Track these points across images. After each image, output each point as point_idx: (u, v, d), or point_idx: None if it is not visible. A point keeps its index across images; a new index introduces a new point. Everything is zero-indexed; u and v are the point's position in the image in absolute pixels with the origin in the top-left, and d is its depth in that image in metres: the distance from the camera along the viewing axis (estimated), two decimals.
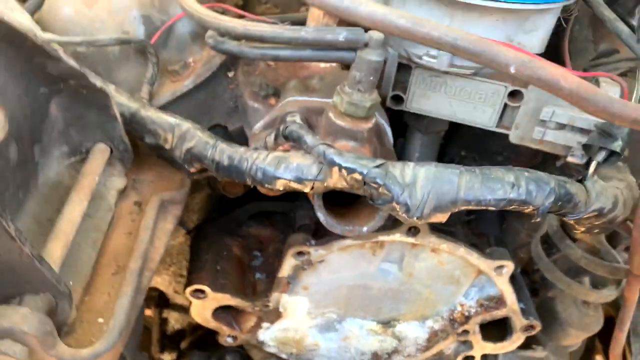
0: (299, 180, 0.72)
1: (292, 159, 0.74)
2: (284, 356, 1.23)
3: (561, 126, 0.91)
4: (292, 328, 1.16)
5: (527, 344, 1.34)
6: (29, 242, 0.58)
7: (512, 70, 0.52)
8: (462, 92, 0.94)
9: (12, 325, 0.57)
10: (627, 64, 1.00)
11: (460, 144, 1.23)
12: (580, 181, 0.81)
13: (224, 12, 1.05)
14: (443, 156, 1.24)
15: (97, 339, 0.69)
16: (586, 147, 0.85)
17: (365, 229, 0.81)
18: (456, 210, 0.69)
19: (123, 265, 0.80)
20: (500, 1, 0.78)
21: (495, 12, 0.81)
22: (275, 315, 1.12)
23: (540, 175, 0.72)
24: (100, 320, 0.73)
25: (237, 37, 0.82)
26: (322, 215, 0.79)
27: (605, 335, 1.34)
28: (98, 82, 0.79)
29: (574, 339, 1.38)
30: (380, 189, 0.67)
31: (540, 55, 0.93)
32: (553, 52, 1.03)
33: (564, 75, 0.50)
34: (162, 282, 1.31)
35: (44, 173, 0.83)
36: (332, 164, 0.69)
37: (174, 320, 1.45)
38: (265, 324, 1.14)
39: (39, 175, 0.82)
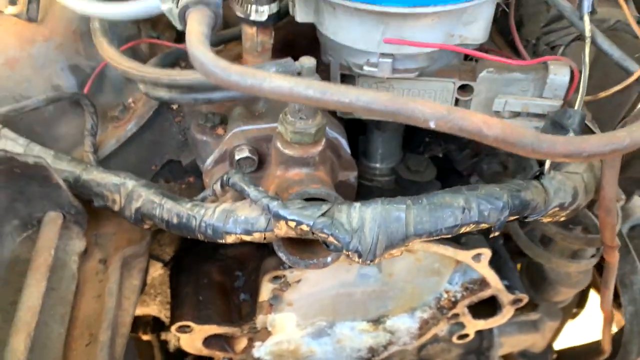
0: (249, 233, 0.71)
1: (239, 212, 0.72)
2: None
3: (515, 114, 0.89)
4: (285, 341, 1.18)
5: (520, 308, 1.36)
6: None
7: (432, 125, 0.49)
8: (411, 94, 0.91)
9: None
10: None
11: (423, 130, 1.21)
12: (538, 177, 0.79)
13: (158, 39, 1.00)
14: (408, 143, 1.21)
15: None
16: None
17: (329, 259, 0.80)
18: (409, 245, 0.67)
19: (96, 334, 0.80)
20: (430, 5, 0.74)
21: (430, 15, 0.77)
22: (265, 333, 1.13)
23: (491, 191, 0.70)
24: None
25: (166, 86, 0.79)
26: (283, 255, 0.78)
27: (601, 266, 1.35)
28: (30, 158, 0.76)
29: (565, 295, 1.41)
30: (329, 238, 0.66)
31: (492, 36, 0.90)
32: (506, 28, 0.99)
33: (486, 123, 0.48)
34: (152, 311, 1.32)
35: None
36: (277, 217, 0.67)
37: (174, 340, 1.47)
38: (257, 343, 1.16)
39: None
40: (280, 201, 0.68)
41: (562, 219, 0.84)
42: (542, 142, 0.48)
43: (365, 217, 0.66)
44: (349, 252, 0.66)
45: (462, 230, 0.68)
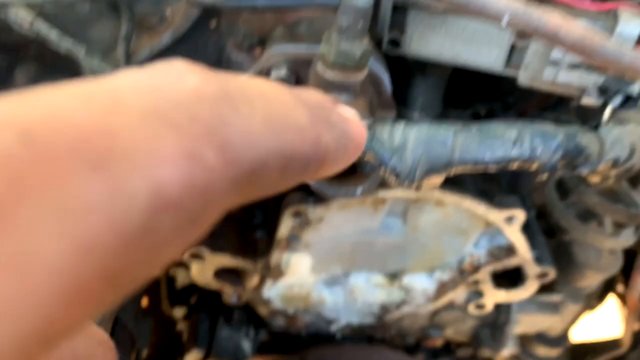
0: None
1: None
2: (290, 311, 1.22)
3: (575, 66, 0.82)
4: (296, 284, 1.15)
5: (542, 288, 1.31)
6: None
7: (505, 22, 0.44)
8: (465, 33, 0.85)
9: None
10: None
11: (469, 85, 1.15)
12: (595, 127, 0.73)
13: None
14: (451, 98, 1.16)
15: None
16: (602, 90, 0.76)
17: (359, 190, 0.75)
18: (452, 172, 0.62)
19: None
20: None
21: None
22: (278, 273, 1.10)
23: (546, 128, 0.64)
24: None
25: None
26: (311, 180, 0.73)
27: (627, 268, 1.30)
28: (63, 47, 0.72)
29: (592, 280, 1.34)
30: (368, 154, 0.61)
31: None
32: None
33: (564, 26, 0.42)
34: None
35: None
36: None
37: (181, 277, 1.45)
38: (269, 282, 1.13)
39: None
40: None
41: (612, 180, 0.78)
42: (625, 55, 0.42)
43: (409, 137, 0.61)
44: (387, 171, 0.62)
45: (510, 165, 0.63)
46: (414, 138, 0.61)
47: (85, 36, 0.91)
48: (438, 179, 0.62)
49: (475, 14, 0.45)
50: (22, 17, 0.83)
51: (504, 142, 0.62)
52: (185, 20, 0.93)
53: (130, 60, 0.91)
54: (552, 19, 0.43)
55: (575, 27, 0.43)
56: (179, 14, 0.93)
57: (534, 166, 0.64)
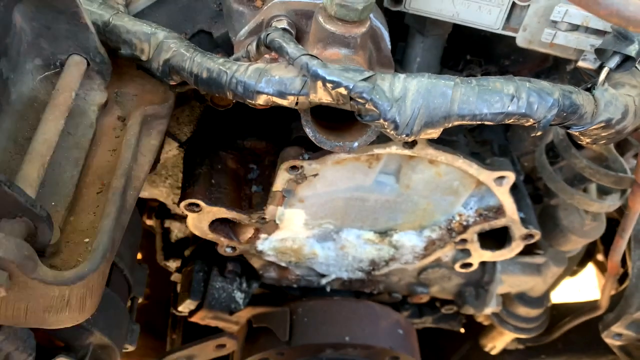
0: (282, 94, 0.67)
1: (274, 72, 0.68)
2: (283, 264, 1.25)
3: (574, 27, 0.83)
4: (289, 238, 1.17)
5: (526, 250, 1.35)
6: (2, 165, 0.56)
7: None
8: None
9: None
10: None
11: (465, 47, 1.15)
12: (589, 89, 0.75)
13: None
14: (447, 60, 1.16)
15: (85, 259, 0.69)
16: (599, 51, 0.78)
17: (355, 144, 0.77)
18: (449, 125, 0.64)
19: (108, 183, 0.78)
20: None
21: None
22: (272, 226, 1.12)
23: (543, 85, 0.66)
24: (87, 240, 0.72)
25: None
26: (310, 131, 0.75)
27: (608, 237, 1.34)
28: None
29: (575, 245, 1.38)
30: (367, 105, 0.63)
31: None
32: None
33: None
34: (160, 194, 1.31)
35: (16, 89, 0.79)
36: (315, 77, 0.63)
37: (177, 230, 1.47)
38: (262, 235, 1.15)
39: (10, 91, 0.77)
40: (320, 61, 0.64)
41: (602, 142, 0.80)
42: (629, 4, 0.43)
43: (409, 88, 0.62)
44: (386, 122, 0.63)
45: (507, 120, 0.65)
46: (414, 89, 0.62)
47: None
48: (435, 132, 0.64)
49: None
50: None
51: (502, 97, 0.63)
52: None
53: (129, 7, 0.90)
54: None
55: None
56: None
57: (529, 122, 0.66)
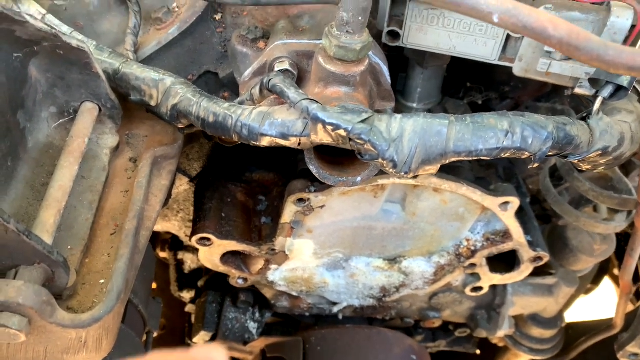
0: (284, 136, 0.70)
1: (276, 115, 0.71)
2: (294, 293, 1.26)
3: (567, 57, 0.86)
4: (300, 268, 1.19)
5: (537, 271, 1.35)
6: (14, 218, 0.59)
7: (495, 19, 0.47)
8: (461, 25, 0.88)
9: (7, 299, 0.59)
10: None
11: (465, 75, 1.18)
12: (585, 118, 0.77)
13: None
14: (448, 88, 1.19)
15: (100, 300, 0.71)
16: (593, 81, 0.80)
17: (359, 179, 0.79)
18: (446, 162, 0.66)
19: (121, 225, 0.81)
20: None
21: None
22: (282, 257, 1.14)
23: (537, 119, 0.68)
24: (102, 281, 0.75)
25: None
26: (314, 168, 0.77)
27: (622, 251, 1.33)
28: (74, 40, 0.75)
29: (585, 264, 1.38)
30: (366, 145, 0.65)
31: None
32: None
33: (553, 22, 0.45)
34: (173, 227, 1.34)
35: (33, 137, 0.82)
36: (316, 120, 0.66)
37: (190, 261, 1.50)
38: (273, 266, 1.17)
39: (27, 140, 0.81)
40: (320, 104, 0.67)
41: (602, 168, 0.82)
42: (609, 49, 0.45)
43: (406, 128, 0.65)
44: (385, 162, 0.65)
45: (503, 154, 0.67)
46: (411, 129, 0.64)
47: (94, 30, 0.94)
48: (433, 168, 0.66)
49: (468, 11, 0.48)
50: (34, 12, 0.87)
51: (497, 133, 0.65)
52: (192, 13, 0.95)
53: (137, 52, 0.94)
54: (541, 16, 0.46)
55: (562, 24, 0.46)
56: (185, 7, 0.96)
57: (525, 155, 0.68)
